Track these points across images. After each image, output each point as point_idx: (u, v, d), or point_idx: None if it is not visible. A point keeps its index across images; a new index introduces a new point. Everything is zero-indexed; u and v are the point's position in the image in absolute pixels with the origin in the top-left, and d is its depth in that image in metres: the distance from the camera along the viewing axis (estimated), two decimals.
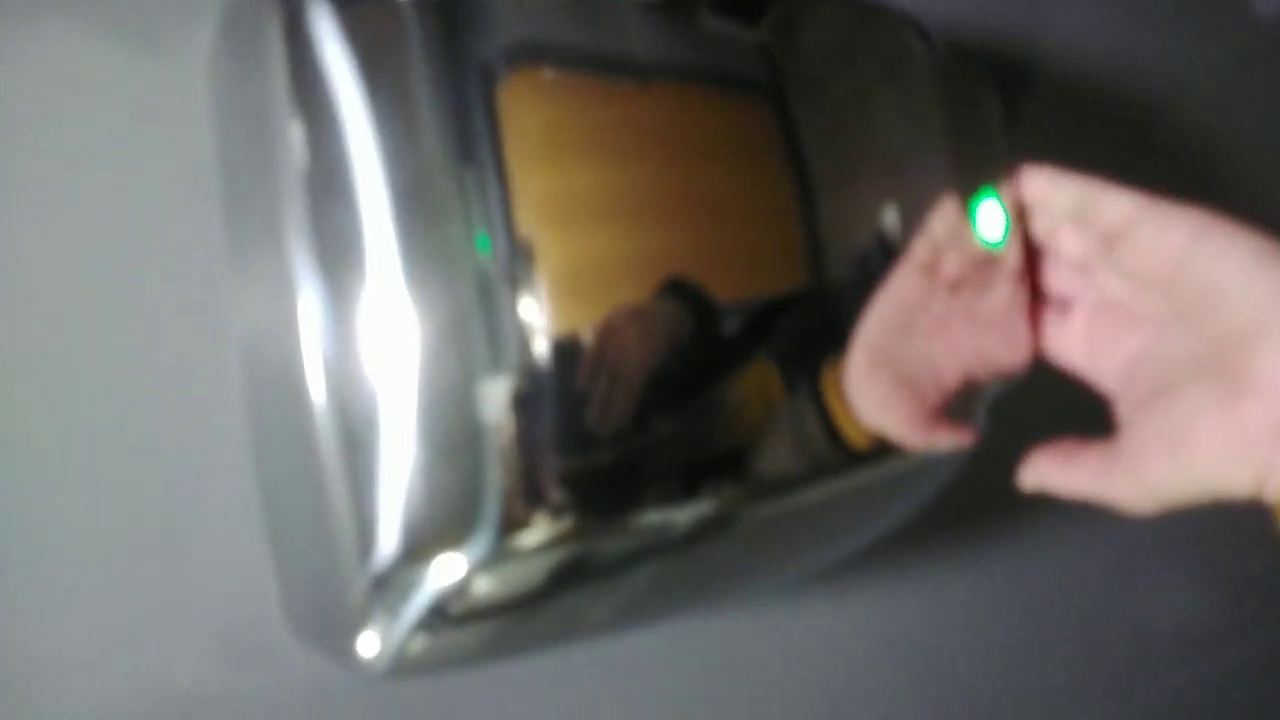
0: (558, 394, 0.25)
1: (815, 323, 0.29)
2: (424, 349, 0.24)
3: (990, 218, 0.32)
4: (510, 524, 0.25)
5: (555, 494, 0.25)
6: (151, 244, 0.34)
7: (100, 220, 0.33)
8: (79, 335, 0.33)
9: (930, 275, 0.31)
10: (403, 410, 0.24)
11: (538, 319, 0.25)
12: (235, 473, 0.34)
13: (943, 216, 0.31)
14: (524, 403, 0.24)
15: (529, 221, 0.24)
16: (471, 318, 0.24)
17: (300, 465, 0.27)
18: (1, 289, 0.32)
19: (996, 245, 0.32)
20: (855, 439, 0.30)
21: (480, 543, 0.25)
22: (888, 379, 0.30)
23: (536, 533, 0.25)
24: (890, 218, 0.30)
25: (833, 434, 0.30)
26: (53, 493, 0.33)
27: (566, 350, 0.25)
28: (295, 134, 0.24)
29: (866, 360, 0.29)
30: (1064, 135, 0.37)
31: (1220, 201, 0.57)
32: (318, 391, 0.25)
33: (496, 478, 0.25)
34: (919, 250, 0.30)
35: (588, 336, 0.25)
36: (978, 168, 0.32)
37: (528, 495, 0.25)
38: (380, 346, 0.24)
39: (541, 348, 0.25)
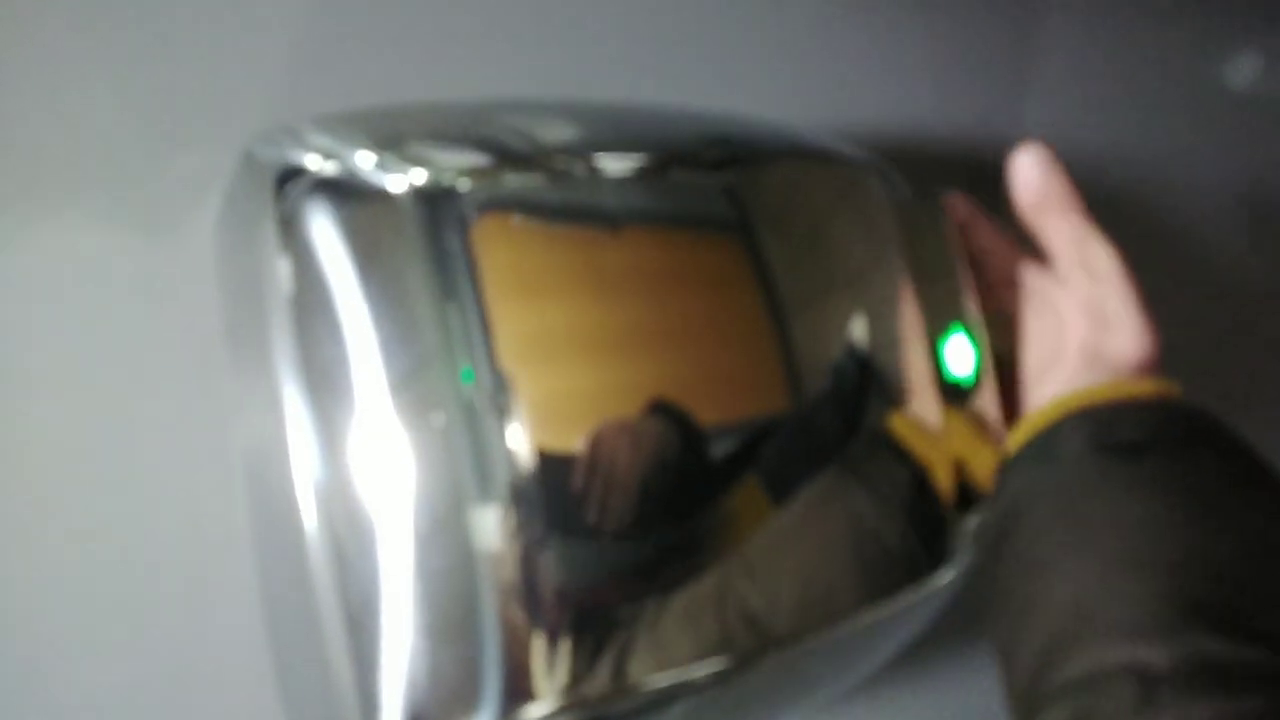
0: (550, 511, 0.25)
1: (799, 438, 0.29)
2: (416, 483, 0.25)
3: (959, 354, 0.33)
4: (516, 694, 0.25)
5: (561, 644, 0.25)
6: (161, 406, 0.35)
7: (113, 387, 0.34)
8: (89, 495, 0.34)
9: None
10: (398, 553, 0.25)
11: (524, 444, 0.25)
12: (245, 623, 0.34)
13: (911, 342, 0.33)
14: (518, 525, 0.25)
15: (510, 355, 0.25)
16: (459, 447, 0.25)
17: (302, 624, 0.27)
18: (14, 455, 0.33)
19: (967, 381, 0.33)
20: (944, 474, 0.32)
21: (486, 714, 0.25)
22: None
23: (544, 703, 0.25)
24: (859, 330, 0.31)
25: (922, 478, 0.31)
26: (60, 648, 0.34)
27: (556, 466, 0.25)
28: (284, 280, 0.26)
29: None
30: None
31: (1202, 277, 0.57)
32: (315, 535, 0.25)
33: (497, 634, 0.25)
34: None
35: (578, 446, 0.26)
36: (942, 304, 0.33)
37: (532, 654, 0.25)
38: (373, 483, 0.25)
39: (530, 468, 0.25)
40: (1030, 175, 0.35)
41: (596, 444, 0.26)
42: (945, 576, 0.33)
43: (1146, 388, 0.32)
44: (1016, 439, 0.33)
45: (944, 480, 0.32)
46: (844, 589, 0.30)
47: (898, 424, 0.32)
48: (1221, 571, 0.27)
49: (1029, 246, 0.36)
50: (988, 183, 0.37)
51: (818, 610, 0.29)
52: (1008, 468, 0.33)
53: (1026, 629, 0.28)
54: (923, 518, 0.32)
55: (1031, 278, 0.35)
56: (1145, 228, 0.55)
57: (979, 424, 0.34)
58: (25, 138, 0.33)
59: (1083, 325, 0.33)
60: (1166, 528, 0.28)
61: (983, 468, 0.33)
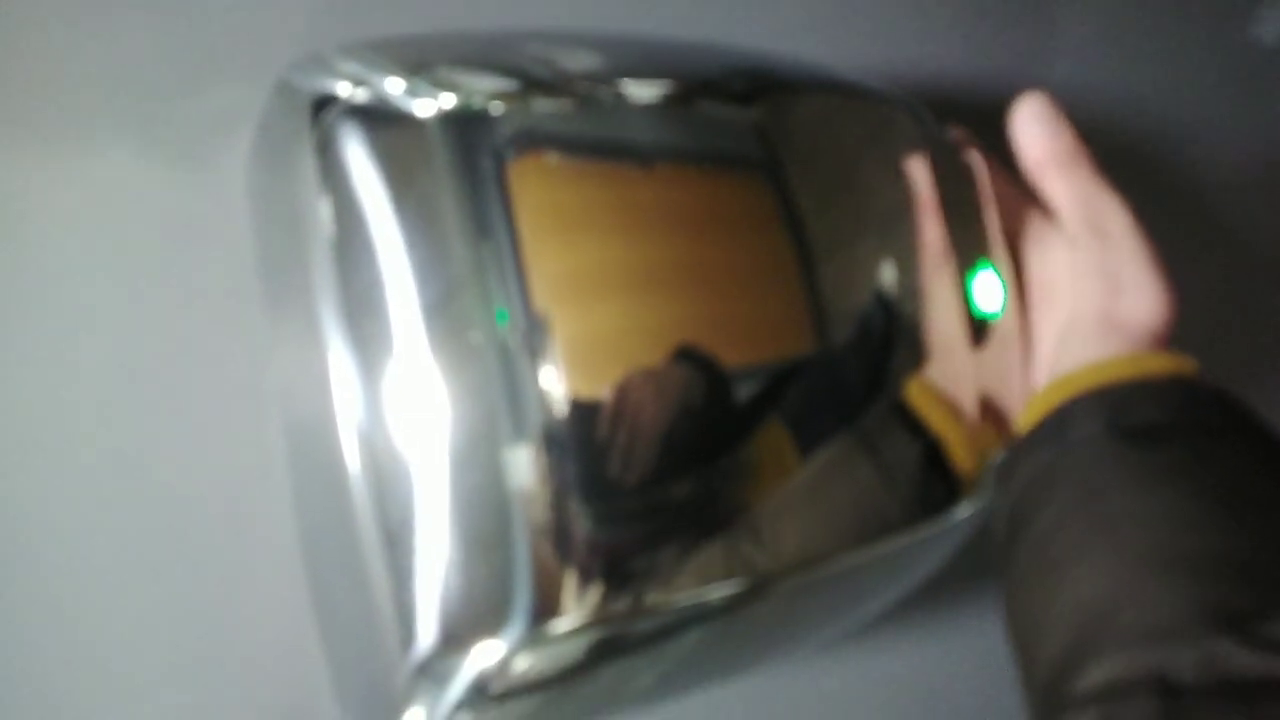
0: (581, 456, 0.26)
1: (824, 383, 0.29)
2: (451, 420, 0.25)
3: (987, 289, 0.33)
4: (544, 609, 0.26)
5: (588, 571, 0.26)
6: (196, 342, 0.35)
7: (148, 323, 0.35)
8: (128, 432, 0.35)
9: None
10: (434, 481, 0.25)
11: (557, 387, 0.26)
12: (283, 552, 0.35)
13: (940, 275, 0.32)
14: (550, 467, 0.26)
15: (544, 295, 0.26)
16: (494, 388, 0.25)
17: (340, 545, 0.28)
18: (53, 392, 0.34)
19: (994, 316, 0.33)
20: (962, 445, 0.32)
21: (516, 627, 0.25)
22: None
23: (571, 618, 0.26)
24: (887, 276, 0.31)
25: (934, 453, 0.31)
26: (102, 582, 0.35)
27: (586, 413, 0.26)
28: (324, 212, 0.26)
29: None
30: None
31: (1226, 231, 0.56)
32: (353, 464, 0.26)
33: (528, 556, 0.26)
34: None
35: (605, 395, 0.26)
36: (969, 242, 0.33)
37: (561, 575, 0.26)
38: (410, 418, 0.26)
39: (562, 413, 0.26)
40: (1032, 129, 0.33)
41: (621, 395, 0.26)
42: (958, 515, 0.33)
43: (1163, 364, 0.31)
44: (1028, 418, 0.32)
45: (958, 452, 0.32)
46: (843, 554, 0.30)
47: (917, 392, 0.31)
48: (1248, 571, 0.25)
49: (1035, 199, 0.35)
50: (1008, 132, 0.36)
51: (822, 573, 0.30)
52: (1020, 449, 0.31)
53: (1045, 628, 0.27)
54: (931, 492, 0.32)
55: (1038, 234, 0.34)
56: (1170, 182, 0.54)
57: (1001, 388, 0.33)
58: (56, 71, 0.34)
59: (1095, 290, 0.32)
60: (1189, 523, 0.27)
61: (996, 442, 0.33)
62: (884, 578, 0.33)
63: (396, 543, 0.25)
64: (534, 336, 0.26)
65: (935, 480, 0.32)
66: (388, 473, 0.26)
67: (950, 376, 0.32)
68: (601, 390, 0.26)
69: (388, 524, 0.25)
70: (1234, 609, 0.24)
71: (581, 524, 0.26)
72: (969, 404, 0.32)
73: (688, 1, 0.41)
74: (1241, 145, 0.56)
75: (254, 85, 0.34)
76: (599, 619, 0.26)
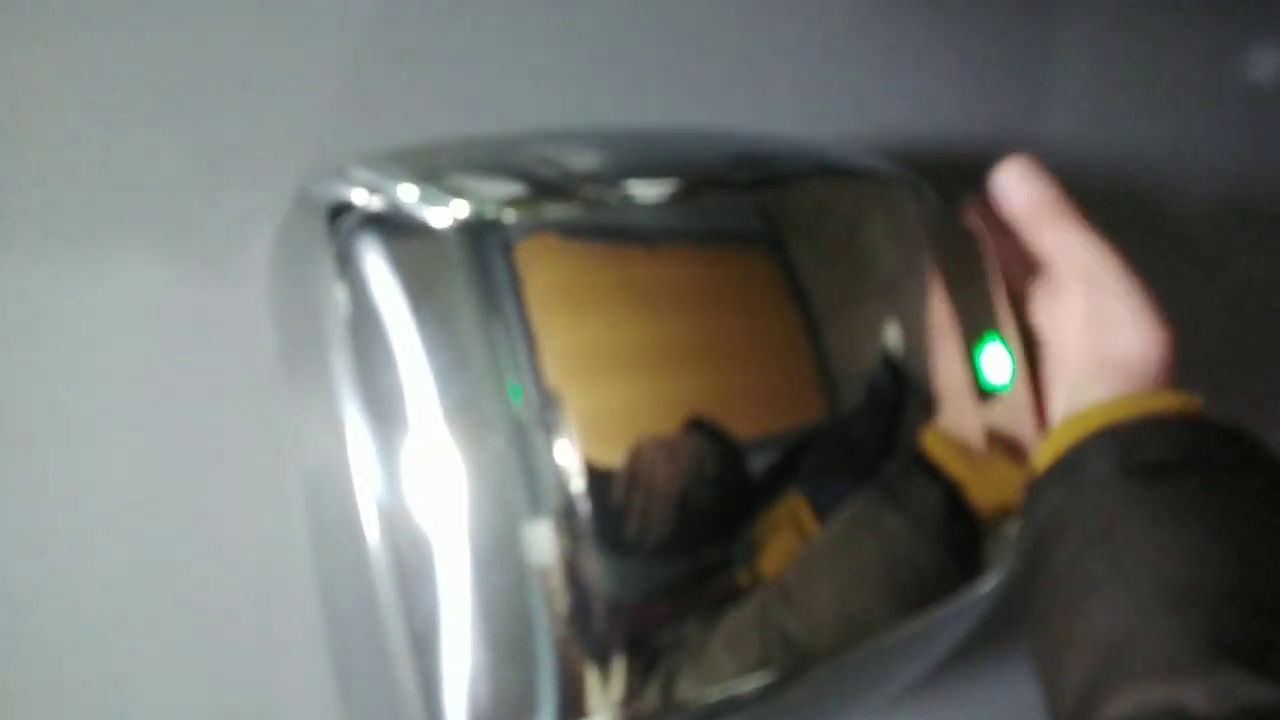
0: (598, 525, 0.26)
1: (837, 449, 0.30)
2: (470, 498, 0.26)
3: (995, 361, 0.34)
4: (572, 709, 0.26)
5: (613, 662, 0.26)
6: (218, 436, 0.36)
7: (171, 419, 0.36)
8: (153, 527, 0.35)
9: None
10: (456, 565, 0.26)
11: (572, 460, 0.26)
12: (307, 638, 0.35)
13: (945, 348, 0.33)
14: (568, 540, 0.26)
15: (555, 372, 0.26)
16: (510, 464, 0.26)
17: (366, 637, 0.28)
18: (80, 486, 0.35)
19: (1004, 388, 0.34)
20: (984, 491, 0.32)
21: None
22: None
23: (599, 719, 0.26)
24: (893, 336, 0.32)
25: (956, 498, 0.31)
26: (130, 671, 0.35)
27: (601, 482, 0.26)
28: (342, 308, 0.27)
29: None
30: None
31: (1223, 270, 0.56)
32: (376, 551, 0.26)
33: (552, 648, 0.26)
34: None
35: (620, 461, 0.26)
36: (976, 313, 0.34)
37: (585, 669, 0.26)
38: (429, 497, 0.26)
39: (578, 486, 0.26)
40: (1016, 185, 0.34)
41: (634, 459, 0.27)
42: (983, 588, 0.33)
43: (1170, 402, 0.32)
44: (1042, 458, 0.33)
45: (979, 496, 0.33)
46: (879, 610, 0.31)
47: (933, 442, 0.32)
48: (1261, 605, 0.26)
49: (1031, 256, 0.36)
50: None
51: (855, 628, 0.30)
52: (1035, 488, 0.32)
53: (1066, 663, 0.28)
54: (957, 537, 0.32)
55: (1036, 287, 0.35)
56: (1166, 224, 0.55)
57: (1015, 442, 0.34)
58: (82, 175, 0.35)
59: (1084, 332, 0.33)
60: (1200, 558, 0.27)
61: (1014, 483, 0.33)
62: (921, 640, 0.33)
63: (423, 643, 0.26)
64: (547, 412, 0.26)
65: (959, 522, 0.32)
66: (411, 564, 0.26)
67: (958, 424, 0.33)
68: (615, 459, 0.26)
69: (414, 624, 0.26)
70: (1246, 641, 0.25)
71: (603, 600, 0.26)
72: (983, 456, 0.33)
73: (683, 83, 0.43)
74: (1237, 185, 0.57)
75: (272, 189, 0.36)
76: (628, 717, 0.26)
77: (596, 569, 0.26)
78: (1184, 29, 0.54)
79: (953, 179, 0.39)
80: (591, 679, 0.26)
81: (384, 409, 0.26)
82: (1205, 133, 0.55)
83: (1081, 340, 0.33)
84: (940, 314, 0.33)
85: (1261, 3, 0.56)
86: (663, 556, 0.27)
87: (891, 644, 0.31)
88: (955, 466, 0.32)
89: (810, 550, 0.29)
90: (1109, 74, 0.52)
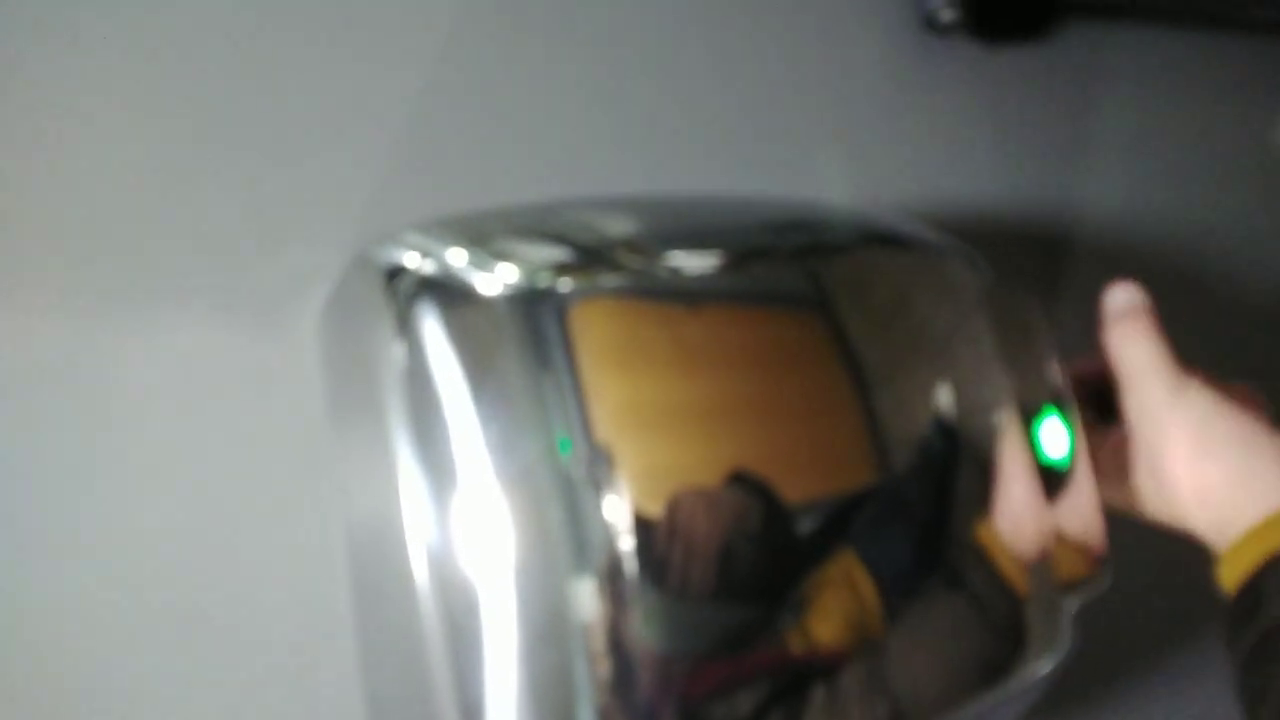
0: (642, 581, 0.26)
1: (887, 512, 0.30)
2: (517, 551, 0.26)
3: (1054, 436, 0.34)
4: None
5: None
6: (270, 485, 0.37)
7: (224, 468, 0.37)
8: (205, 576, 0.36)
9: None
10: (501, 614, 0.26)
11: (620, 516, 0.27)
12: (347, 696, 0.36)
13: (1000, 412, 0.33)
14: (614, 605, 0.26)
15: (606, 427, 0.27)
16: (558, 518, 0.26)
17: (407, 664, 0.29)
18: (136, 535, 0.36)
19: (1062, 462, 0.34)
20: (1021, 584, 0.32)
21: None
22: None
23: None
24: (945, 402, 0.32)
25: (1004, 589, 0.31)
26: (174, 703, 0.36)
27: (644, 538, 0.26)
28: (399, 365, 0.28)
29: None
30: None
31: (1268, 336, 0.56)
32: (423, 594, 0.27)
33: (593, 712, 0.26)
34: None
35: (659, 511, 0.27)
36: (1034, 388, 0.34)
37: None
38: (478, 548, 0.26)
39: (625, 542, 0.26)
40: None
41: (674, 509, 0.27)
42: (1050, 662, 0.33)
43: None
44: (1273, 540, 0.32)
45: (1019, 581, 0.32)
46: (970, 669, 0.31)
47: (983, 534, 0.32)
48: None
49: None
50: (1045, 256, 0.37)
51: (951, 692, 0.30)
52: (1273, 571, 0.31)
53: None
54: (1008, 620, 0.32)
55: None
56: (1204, 290, 0.55)
57: (1073, 513, 0.34)
58: (140, 235, 0.37)
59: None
60: None
61: (1070, 560, 0.33)
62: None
63: (473, 714, 0.26)
64: (597, 468, 0.27)
65: (1010, 620, 0.32)
66: (459, 618, 0.26)
67: (1019, 524, 0.32)
68: (657, 510, 0.27)
69: (465, 695, 0.26)
70: None
71: (647, 663, 0.26)
72: (1036, 555, 0.33)
73: (729, 153, 0.44)
74: (1270, 251, 0.57)
75: (323, 251, 0.38)
76: None
77: (640, 625, 0.26)
78: (1221, 99, 0.55)
79: (991, 246, 0.40)
80: None
81: (436, 463, 0.27)
82: (1242, 200, 0.56)
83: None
84: (994, 375, 0.33)
85: None
86: (707, 612, 0.27)
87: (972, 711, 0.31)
88: (1005, 564, 0.32)
89: (894, 613, 0.29)
90: (1148, 139, 0.53)
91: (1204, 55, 0.55)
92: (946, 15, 0.48)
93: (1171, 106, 0.54)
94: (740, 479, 0.28)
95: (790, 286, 0.31)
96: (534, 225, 0.32)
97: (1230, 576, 0.33)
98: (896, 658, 0.29)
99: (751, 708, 0.27)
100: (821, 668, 0.28)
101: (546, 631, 0.26)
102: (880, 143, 0.47)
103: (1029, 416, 0.33)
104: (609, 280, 0.29)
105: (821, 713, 0.28)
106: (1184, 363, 0.35)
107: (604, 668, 0.26)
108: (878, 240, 0.34)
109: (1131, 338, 0.35)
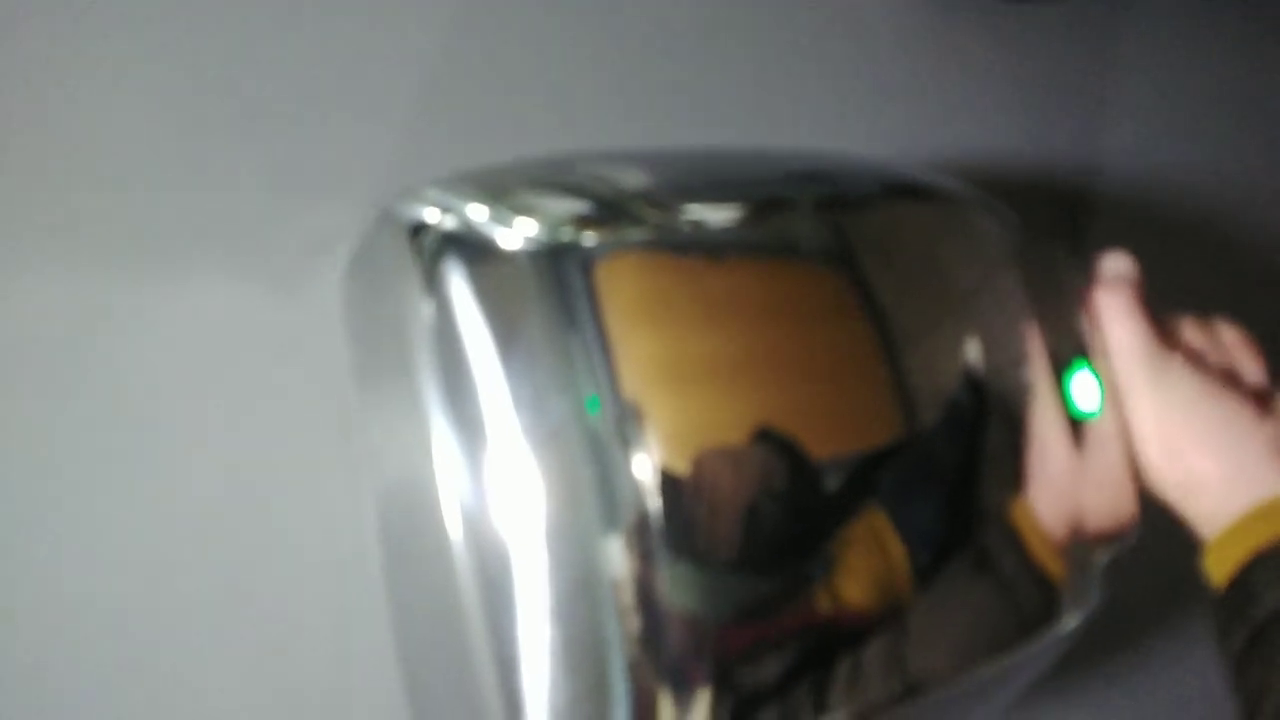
0: (669, 540, 0.26)
1: (916, 469, 0.30)
2: (547, 508, 0.26)
3: (1084, 388, 0.33)
4: None
5: (690, 689, 0.26)
6: (294, 447, 0.38)
7: (248, 431, 0.37)
8: (231, 538, 0.37)
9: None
10: (534, 571, 0.26)
11: (649, 473, 0.26)
12: (380, 656, 0.36)
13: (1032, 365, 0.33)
14: (642, 562, 0.26)
15: (633, 384, 0.27)
16: (587, 476, 0.26)
17: (445, 645, 0.29)
18: (162, 498, 0.36)
19: (1092, 415, 0.33)
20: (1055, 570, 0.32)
21: None
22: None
23: None
24: (974, 356, 0.31)
25: (1037, 573, 0.31)
26: (200, 685, 0.36)
27: (672, 497, 0.26)
28: (427, 319, 0.28)
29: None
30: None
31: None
32: (458, 550, 0.27)
33: (626, 678, 0.26)
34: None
35: (685, 470, 0.27)
36: (1064, 341, 0.33)
37: (659, 697, 0.26)
38: (509, 505, 0.27)
39: (654, 500, 0.26)
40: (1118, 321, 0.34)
41: (699, 468, 0.27)
42: (1073, 621, 0.33)
43: None
44: (1262, 533, 0.32)
45: (1052, 564, 0.32)
46: (987, 638, 0.31)
47: (1018, 513, 0.31)
48: None
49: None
50: (1067, 212, 0.37)
51: (966, 661, 0.30)
52: (1262, 565, 0.31)
53: None
54: (1038, 597, 0.32)
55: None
56: (1230, 250, 0.55)
57: (1103, 467, 0.33)
58: (162, 194, 0.37)
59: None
60: None
61: (1099, 514, 0.33)
62: (997, 680, 0.33)
63: (508, 666, 0.26)
64: (625, 424, 0.27)
65: (1039, 588, 0.32)
66: (493, 576, 0.26)
67: (1051, 480, 0.32)
68: (683, 468, 0.27)
69: (500, 647, 0.26)
70: None
71: (677, 619, 0.26)
72: (1069, 510, 0.33)
73: (750, 106, 0.44)
74: None
75: (343, 210, 0.37)
76: None
77: (668, 583, 0.26)
78: (1245, 52, 0.54)
79: (1014, 202, 0.40)
80: (665, 706, 0.26)
81: (467, 421, 0.27)
82: (1264, 156, 0.55)
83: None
84: (1024, 327, 0.32)
85: None
86: (734, 570, 0.27)
87: (979, 676, 0.31)
88: (1036, 542, 0.32)
89: (916, 586, 0.29)
90: (1170, 96, 0.52)
91: (1227, 10, 0.54)
92: None
93: (1192, 61, 0.53)
94: (766, 435, 0.28)
95: (816, 240, 0.30)
96: (553, 178, 0.31)
97: (1218, 570, 0.32)
98: (923, 620, 0.29)
99: (779, 672, 0.27)
100: (848, 633, 0.28)
101: (578, 589, 0.26)
102: (902, 101, 0.47)
103: (1059, 369, 0.33)
104: (632, 234, 0.29)
105: (845, 684, 0.28)
106: (1167, 326, 0.35)
107: (634, 625, 0.26)
108: (902, 192, 0.33)
109: (1111, 313, 0.34)
